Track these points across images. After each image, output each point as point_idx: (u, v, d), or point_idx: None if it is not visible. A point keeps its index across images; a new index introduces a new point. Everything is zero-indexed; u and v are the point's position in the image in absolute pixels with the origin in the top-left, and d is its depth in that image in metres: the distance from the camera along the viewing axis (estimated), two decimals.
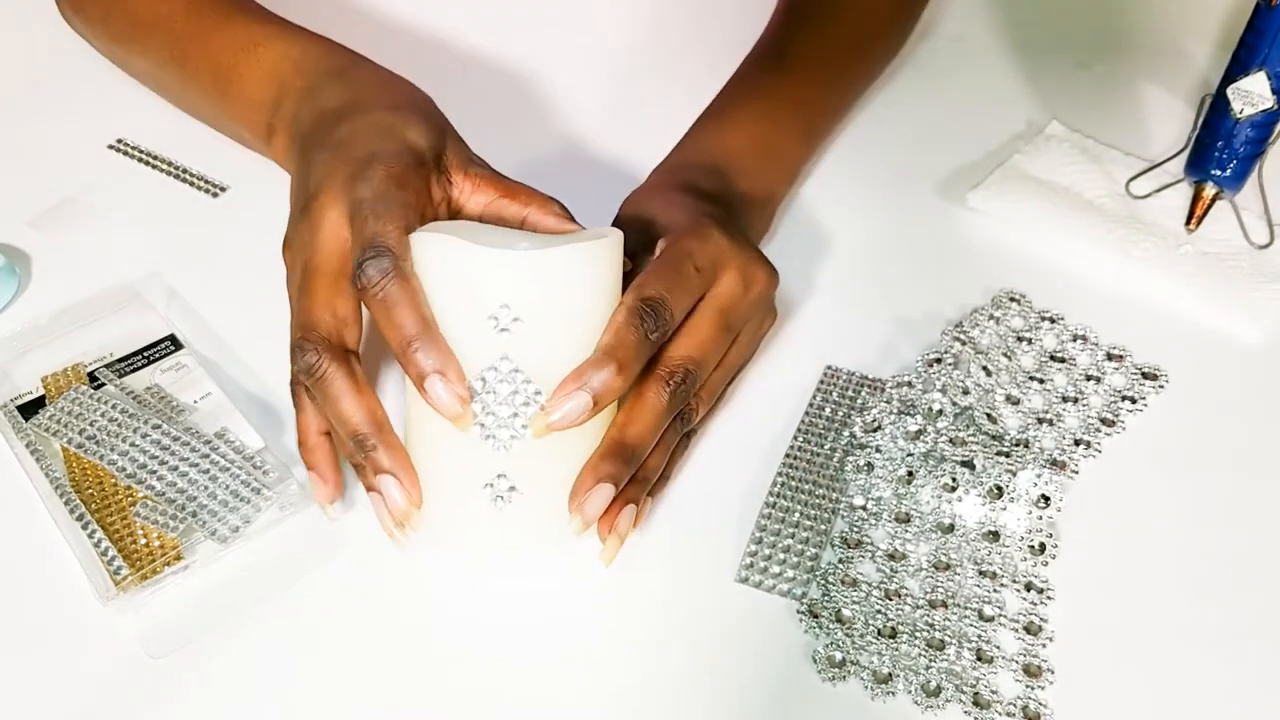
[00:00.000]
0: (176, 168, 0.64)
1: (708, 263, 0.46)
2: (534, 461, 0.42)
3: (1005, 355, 0.53)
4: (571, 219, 0.48)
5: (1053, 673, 0.42)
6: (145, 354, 0.53)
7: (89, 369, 0.52)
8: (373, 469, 0.43)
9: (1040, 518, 0.46)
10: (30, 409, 0.50)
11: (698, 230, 0.47)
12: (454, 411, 0.41)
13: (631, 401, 0.44)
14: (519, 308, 0.41)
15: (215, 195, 0.63)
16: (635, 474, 0.44)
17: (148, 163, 0.65)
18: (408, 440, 0.44)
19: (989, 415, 0.49)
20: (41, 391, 0.51)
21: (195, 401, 0.51)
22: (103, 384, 0.51)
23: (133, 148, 0.66)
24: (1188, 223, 0.60)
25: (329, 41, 0.57)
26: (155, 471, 0.46)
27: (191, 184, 0.63)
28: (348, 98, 0.51)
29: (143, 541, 0.45)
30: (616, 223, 0.51)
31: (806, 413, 0.51)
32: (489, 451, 0.42)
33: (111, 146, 0.66)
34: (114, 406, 0.48)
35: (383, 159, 0.46)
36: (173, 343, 0.53)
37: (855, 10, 0.64)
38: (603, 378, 0.41)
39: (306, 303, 0.45)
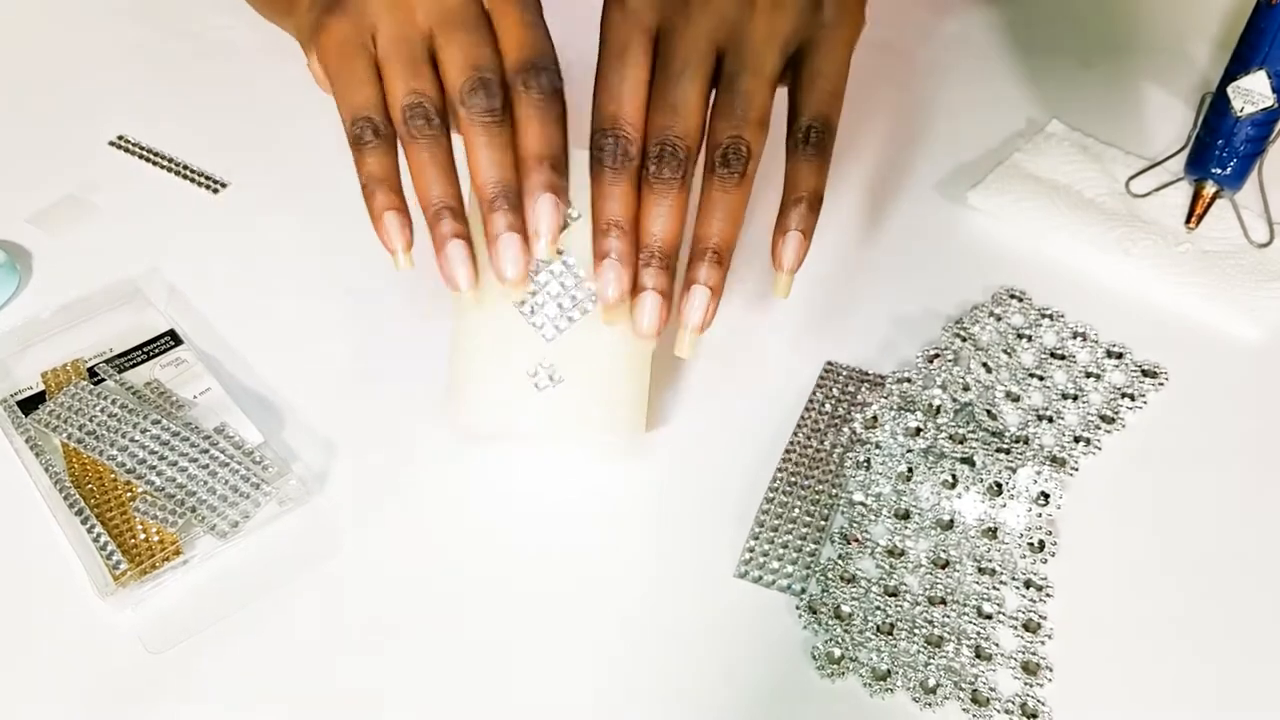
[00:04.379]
0: (177, 165, 0.64)
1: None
2: (578, 353, 0.43)
3: (1005, 352, 0.53)
4: None
5: (1051, 670, 0.42)
6: (145, 349, 0.53)
7: (89, 364, 0.52)
8: (502, 224, 0.42)
9: (1040, 515, 0.46)
10: (30, 404, 0.50)
11: (604, 14, 0.44)
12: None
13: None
14: (581, 203, 0.42)
15: (215, 192, 0.63)
16: (695, 258, 0.43)
17: (148, 160, 0.65)
18: (454, 327, 0.45)
19: (989, 412, 0.49)
20: (41, 387, 0.51)
21: (195, 397, 0.51)
22: (102, 379, 0.51)
23: (133, 145, 0.66)
24: (1188, 221, 0.60)
25: None
26: (155, 467, 0.46)
27: (191, 180, 0.64)
28: None
29: (142, 536, 0.45)
30: None
31: (806, 408, 0.51)
32: (537, 339, 0.43)
33: (112, 143, 0.66)
34: (114, 402, 0.48)
35: None
36: (172, 338, 0.53)
37: None
38: (609, 244, 0.42)
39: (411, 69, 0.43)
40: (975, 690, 0.42)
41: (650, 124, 0.43)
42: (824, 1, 0.46)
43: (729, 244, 0.43)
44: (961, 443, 0.48)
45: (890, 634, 0.43)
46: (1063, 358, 0.54)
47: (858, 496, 0.48)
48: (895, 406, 0.49)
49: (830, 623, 0.44)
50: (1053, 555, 0.46)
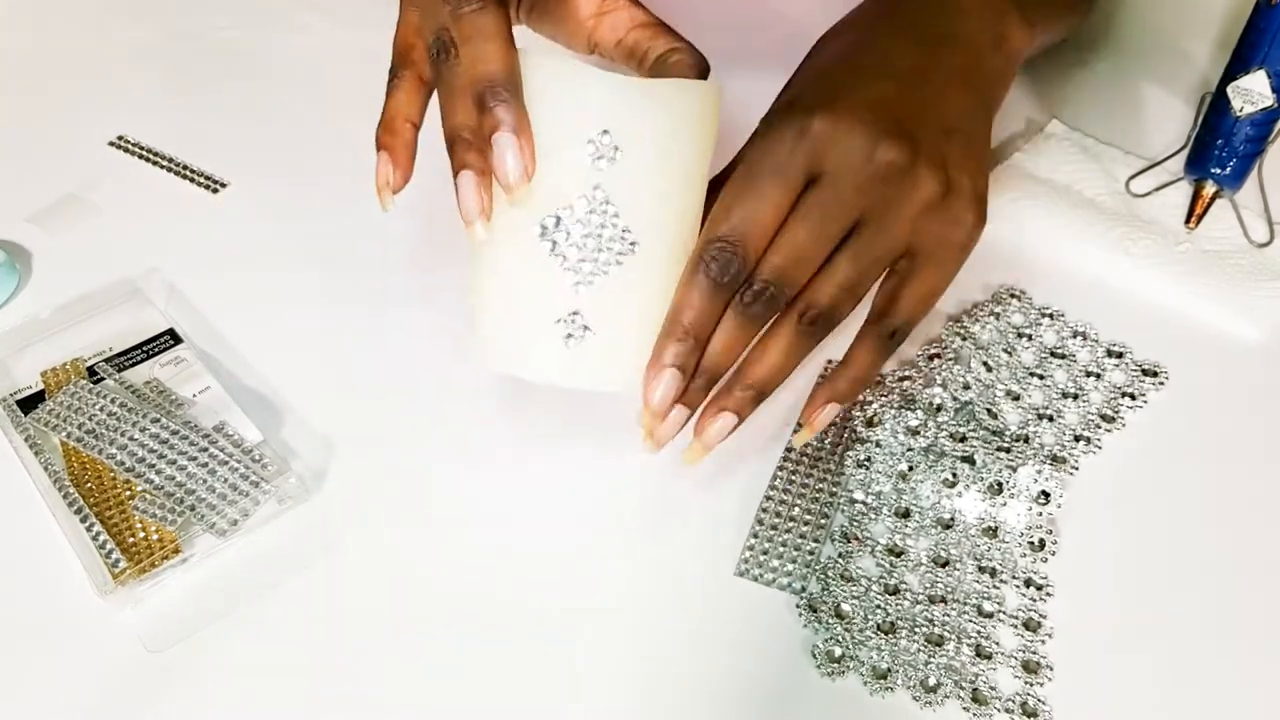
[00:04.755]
0: (176, 164, 0.64)
1: (794, 154, 0.40)
2: (611, 303, 0.40)
3: (1005, 351, 0.53)
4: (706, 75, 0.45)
5: (1051, 669, 0.42)
6: (144, 348, 0.53)
7: (88, 363, 0.52)
8: (490, 126, 0.39)
9: (1040, 514, 0.46)
10: (30, 403, 0.50)
11: (772, 126, 0.41)
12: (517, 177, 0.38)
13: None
14: (620, 135, 0.39)
15: (215, 191, 0.63)
16: (735, 385, 0.42)
17: (148, 159, 0.65)
18: (479, 266, 0.42)
19: (989, 410, 0.49)
20: (41, 386, 0.51)
21: (194, 395, 0.51)
22: (102, 378, 0.51)
23: (133, 144, 0.66)
24: (1187, 221, 0.60)
25: None
26: (154, 465, 0.46)
27: (191, 180, 0.64)
28: None
29: (141, 535, 0.45)
30: None
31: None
32: (567, 286, 0.40)
33: (112, 143, 0.66)
34: (113, 401, 0.48)
35: None
36: (172, 337, 0.53)
37: None
38: (677, 350, 0.40)
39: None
40: (975, 689, 0.42)
41: (769, 256, 0.41)
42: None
43: (774, 387, 0.42)
44: (962, 441, 0.48)
45: (890, 633, 0.43)
46: (1063, 357, 0.54)
47: (858, 495, 0.48)
48: (895, 405, 0.49)
49: (830, 621, 0.43)
50: (1053, 554, 0.46)
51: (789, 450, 0.49)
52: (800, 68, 0.46)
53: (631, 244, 0.40)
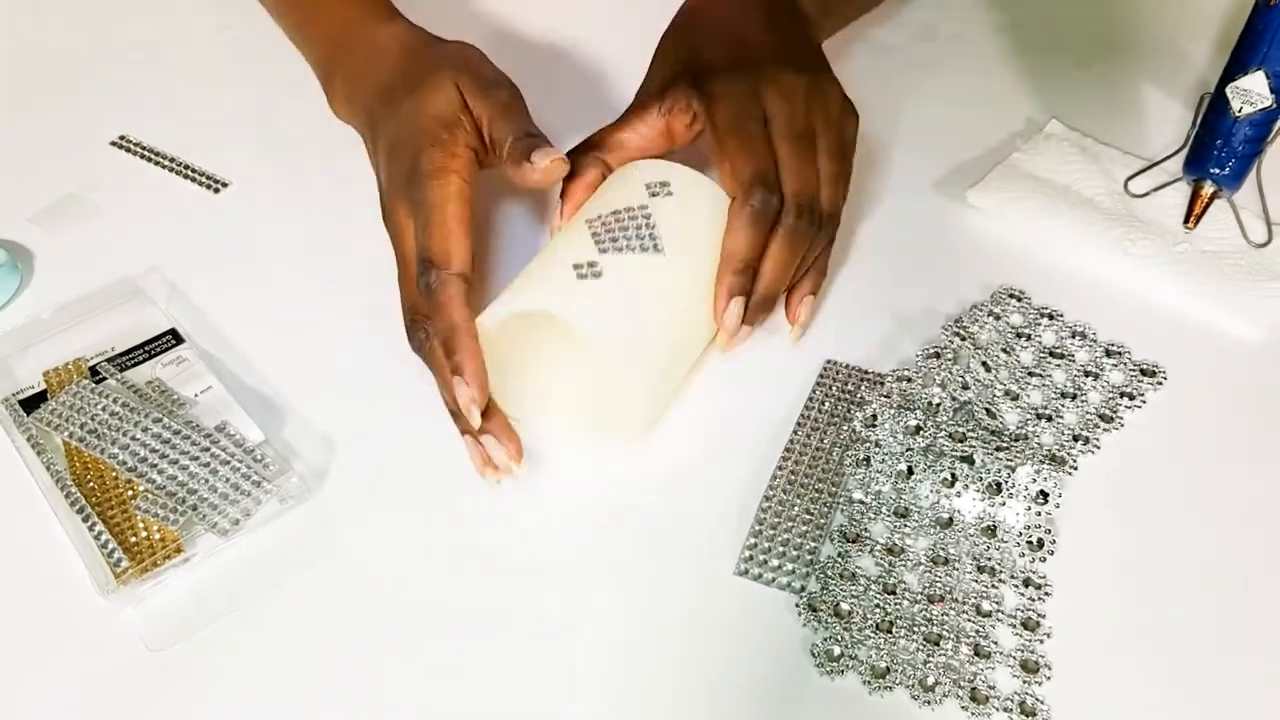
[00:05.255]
0: (178, 164, 0.65)
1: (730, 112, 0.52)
2: (624, 268, 0.48)
3: (1004, 351, 0.53)
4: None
5: (1050, 668, 0.42)
6: (146, 348, 0.53)
7: (90, 363, 0.52)
8: (474, 430, 0.48)
9: (1039, 513, 0.46)
10: (32, 403, 0.50)
11: (721, 90, 0.53)
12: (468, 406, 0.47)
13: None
14: (675, 186, 0.51)
15: (216, 191, 0.63)
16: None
17: (149, 159, 0.65)
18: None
19: (988, 410, 0.50)
20: (43, 386, 0.51)
21: (196, 395, 0.51)
22: (104, 378, 0.51)
23: (135, 144, 0.66)
24: (1186, 221, 0.60)
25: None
26: (156, 465, 0.46)
27: (193, 180, 0.64)
28: (383, 80, 0.55)
29: (143, 534, 0.45)
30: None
31: (806, 407, 0.51)
32: (593, 248, 0.48)
33: (113, 143, 0.66)
34: (115, 400, 0.49)
35: (424, 154, 0.50)
36: (174, 337, 0.53)
37: None
38: (739, 281, 0.50)
39: (406, 288, 0.51)
40: (974, 688, 0.42)
41: (787, 185, 0.51)
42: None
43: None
44: (961, 441, 0.48)
45: (889, 632, 0.43)
46: (1062, 357, 0.54)
47: (857, 495, 0.48)
48: (895, 405, 0.49)
49: (830, 620, 0.44)
50: (1051, 554, 0.46)
51: (789, 450, 0.50)
52: (675, 42, 0.58)
53: (658, 247, 0.49)
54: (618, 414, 0.49)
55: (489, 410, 0.48)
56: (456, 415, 0.49)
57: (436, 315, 0.48)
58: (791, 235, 0.51)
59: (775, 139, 0.52)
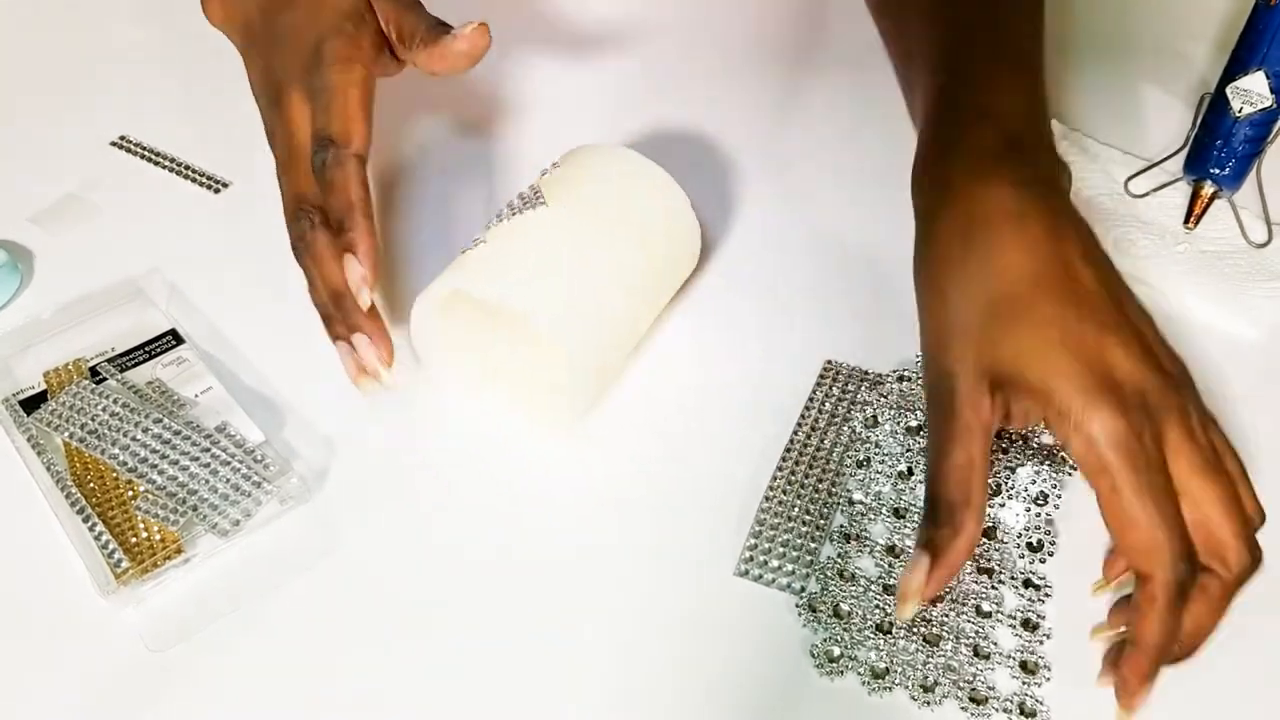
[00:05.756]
0: (178, 164, 0.65)
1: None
2: (506, 232, 0.49)
3: None
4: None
5: (1049, 669, 0.42)
6: (146, 349, 0.53)
7: (90, 364, 0.52)
8: (348, 327, 0.48)
9: (1038, 514, 0.46)
10: (32, 404, 0.50)
11: (1100, 418, 0.39)
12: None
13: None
14: (565, 160, 0.52)
15: (217, 191, 0.63)
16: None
17: (150, 159, 0.65)
18: None
19: None
20: (43, 386, 0.51)
21: (196, 396, 0.51)
22: (104, 379, 0.51)
23: (135, 144, 0.66)
24: (1186, 221, 0.60)
25: None
26: (156, 465, 0.46)
27: (193, 180, 0.64)
28: None
29: (144, 535, 0.45)
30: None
31: (806, 407, 0.51)
32: (482, 226, 0.50)
33: (114, 143, 0.66)
34: (115, 401, 0.49)
35: (327, 42, 0.49)
36: (174, 337, 0.53)
37: None
38: (1154, 670, 0.40)
39: (293, 177, 0.50)
40: (973, 689, 0.42)
41: (1199, 541, 0.40)
42: None
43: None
44: None
45: (889, 632, 0.43)
46: None
47: (857, 495, 0.48)
48: (895, 405, 0.49)
49: (829, 621, 0.44)
50: (1051, 555, 0.46)
51: (789, 451, 0.50)
52: (968, 310, 0.43)
53: (543, 203, 0.49)
54: (544, 358, 0.49)
55: (371, 310, 0.48)
56: (330, 319, 0.49)
57: (331, 194, 0.47)
58: (1213, 600, 0.40)
59: (1188, 484, 0.40)
